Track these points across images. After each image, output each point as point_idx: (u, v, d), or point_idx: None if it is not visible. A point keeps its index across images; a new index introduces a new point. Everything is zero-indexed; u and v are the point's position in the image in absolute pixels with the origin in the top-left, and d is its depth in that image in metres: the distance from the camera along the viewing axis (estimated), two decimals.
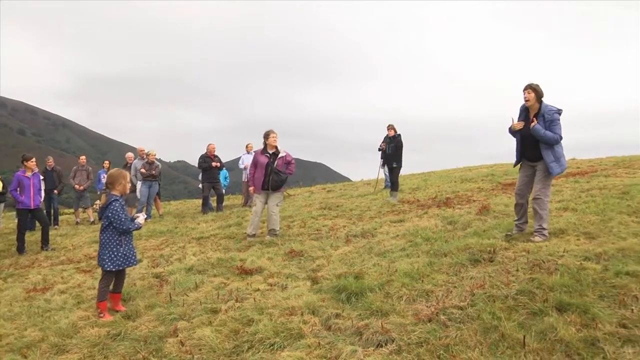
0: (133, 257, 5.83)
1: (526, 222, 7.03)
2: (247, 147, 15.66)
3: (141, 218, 5.86)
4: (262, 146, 9.50)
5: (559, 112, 6.52)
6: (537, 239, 6.43)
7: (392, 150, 13.29)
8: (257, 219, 9.42)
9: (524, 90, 6.69)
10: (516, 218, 7.09)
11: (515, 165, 7.16)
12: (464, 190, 12.83)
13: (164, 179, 18.34)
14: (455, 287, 5.11)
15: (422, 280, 5.40)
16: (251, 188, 9.45)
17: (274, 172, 9.23)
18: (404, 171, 14.59)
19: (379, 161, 14.63)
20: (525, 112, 6.84)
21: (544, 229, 6.54)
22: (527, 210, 7.01)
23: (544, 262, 5.37)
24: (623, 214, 7.21)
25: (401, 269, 5.82)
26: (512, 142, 6.98)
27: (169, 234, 11.26)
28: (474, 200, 10.74)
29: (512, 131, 6.90)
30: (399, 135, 13.43)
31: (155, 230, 11.63)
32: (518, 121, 6.80)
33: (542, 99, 6.66)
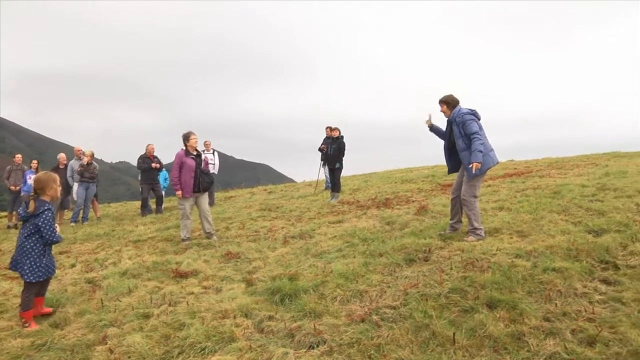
0: (53, 267, 5.56)
1: (460, 221, 7.23)
2: (205, 143, 15.55)
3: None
4: (182, 148, 9.30)
5: (471, 112, 6.74)
6: (470, 238, 6.59)
7: (334, 152, 13.32)
8: (189, 222, 9.31)
9: (439, 105, 7.02)
10: (450, 217, 7.32)
11: (449, 173, 7.45)
12: (404, 190, 13.00)
13: (105, 180, 17.90)
14: (389, 287, 5.15)
15: (357, 281, 5.42)
16: (179, 192, 9.15)
17: (204, 173, 9.21)
18: (345, 172, 14.69)
19: (319, 162, 14.67)
20: (449, 124, 7.07)
21: (476, 228, 6.68)
22: (459, 212, 7.18)
23: (477, 260, 5.51)
24: (553, 213, 7.48)
25: (336, 270, 5.83)
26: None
27: (106, 237, 10.95)
28: (413, 201, 10.89)
29: (431, 129, 7.28)
30: (342, 137, 13.48)
31: (92, 234, 11.30)
32: (445, 133, 7.13)
33: (458, 105, 6.91)
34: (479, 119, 6.75)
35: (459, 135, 6.73)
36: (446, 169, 7.51)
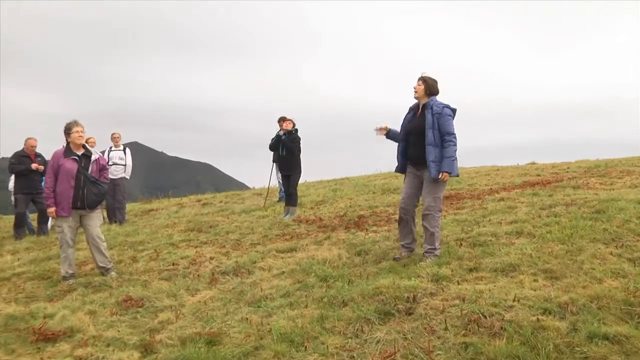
0: None
1: (414, 240, 7.76)
2: (112, 137, 15.17)
3: None
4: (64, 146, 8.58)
5: (452, 109, 7.39)
6: (427, 261, 7.01)
7: (286, 153, 12.70)
8: (71, 252, 8.54)
9: (417, 81, 7.57)
10: (400, 239, 7.83)
11: (396, 171, 8.09)
12: (384, 204, 12.70)
13: None
14: (352, 357, 4.59)
15: (306, 347, 4.83)
16: (51, 209, 8.36)
17: (91, 182, 8.42)
18: (308, 177, 14.21)
19: (271, 164, 14.12)
20: (419, 110, 7.64)
21: (435, 248, 7.24)
22: (412, 229, 7.71)
23: (484, 316, 4.95)
24: (598, 243, 7.01)
25: (277, 328, 5.28)
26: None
27: None
28: (395, 220, 10.31)
29: (388, 136, 8.00)
30: (296, 130, 12.89)
31: None
32: (406, 118, 7.77)
33: (433, 95, 7.51)
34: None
35: (432, 126, 7.26)
36: None
